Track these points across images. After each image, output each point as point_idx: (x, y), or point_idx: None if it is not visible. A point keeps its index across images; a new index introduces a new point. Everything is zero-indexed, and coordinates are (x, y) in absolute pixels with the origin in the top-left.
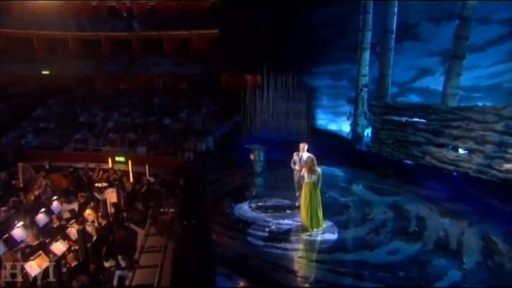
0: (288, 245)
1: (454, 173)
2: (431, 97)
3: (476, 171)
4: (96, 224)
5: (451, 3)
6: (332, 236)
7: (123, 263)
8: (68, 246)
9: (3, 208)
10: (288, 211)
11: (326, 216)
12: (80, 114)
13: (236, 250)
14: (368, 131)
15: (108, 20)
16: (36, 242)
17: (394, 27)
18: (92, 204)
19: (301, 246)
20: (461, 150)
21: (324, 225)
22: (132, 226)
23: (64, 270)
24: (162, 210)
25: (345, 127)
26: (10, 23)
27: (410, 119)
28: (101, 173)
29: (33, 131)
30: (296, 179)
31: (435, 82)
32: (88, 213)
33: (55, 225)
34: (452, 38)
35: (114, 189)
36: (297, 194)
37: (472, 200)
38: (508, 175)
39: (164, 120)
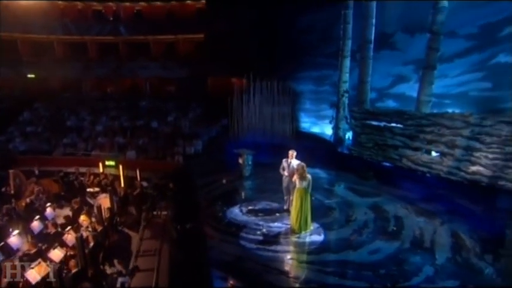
0: (279, 247)
1: (428, 175)
2: (406, 102)
3: (447, 173)
4: (90, 229)
5: (423, 17)
6: (319, 238)
7: (119, 267)
8: (65, 252)
9: None
10: (277, 214)
11: (313, 218)
12: (67, 118)
13: (231, 253)
14: (349, 134)
15: (94, 23)
16: (34, 250)
17: (373, 38)
18: (85, 209)
19: (291, 248)
20: (433, 154)
21: (311, 227)
22: (126, 230)
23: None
24: (155, 213)
25: (327, 130)
26: None
27: (388, 124)
28: (92, 177)
29: (21, 135)
30: (285, 184)
31: (410, 89)
32: (83, 219)
33: (51, 232)
34: (424, 49)
35: (107, 195)
36: (285, 198)
37: (444, 200)
38: (475, 176)
39: (152, 124)
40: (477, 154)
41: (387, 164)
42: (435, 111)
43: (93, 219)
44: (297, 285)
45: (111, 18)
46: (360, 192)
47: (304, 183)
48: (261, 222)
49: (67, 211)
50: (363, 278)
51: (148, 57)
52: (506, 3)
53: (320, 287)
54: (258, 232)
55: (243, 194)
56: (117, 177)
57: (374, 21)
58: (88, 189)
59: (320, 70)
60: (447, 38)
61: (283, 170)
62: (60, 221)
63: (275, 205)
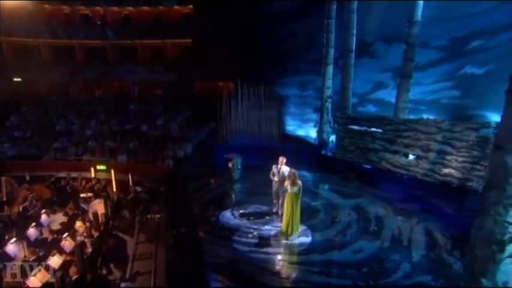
0: (270, 250)
1: (405, 176)
2: (385, 107)
3: (423, 175)
4: (85, 234)
5: (400, 28)
6: (307, 239)
7: (116, 271)
8: (64, 259)
9: None
10: (267, 217)
11: (301, 220)
12: (56, 122)
13: (225, 256)
14: (333, 138)
15: (82, 27)
16: (33, 258)
17: (354, 47)
18: (80, 215)
19: (281, 250)
20: (410, 157)
21: (300, 229)
22: (120, 234)
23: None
24: (148, 216)
25: (311, 133)
26: None
27: (369, 129)
28: (83, 182)
29: (8, 140)
30: (274, 188)
31: (388, 94)
32: (79, 225)
33: (48, 239)
34: (401, 57)
35: (101, 200)
36: (274, 201)
37: (420, 200)
38: (447, 178)
39: (142, 128)
40: (449, 157)
41: (368, 166)
42: (412, 116)
43: (88, 225)
44: (288, 285)
45: (99, 22)
46: (343, 193)
47: (295, 189)
48: (252, 226)
49: (60, 216)
50: (347, 276)
51: (136, 62)
52: (472, 19)
53: (309, 287)
54: (250, 235)
55: (233, 197)
56: (110, 181)
57: (355, 31)
58: (81, 195)
59: (304, 76)
60: (421, 48)
61: (273, 175)
62: (55, 227)
63: (265, 208)
